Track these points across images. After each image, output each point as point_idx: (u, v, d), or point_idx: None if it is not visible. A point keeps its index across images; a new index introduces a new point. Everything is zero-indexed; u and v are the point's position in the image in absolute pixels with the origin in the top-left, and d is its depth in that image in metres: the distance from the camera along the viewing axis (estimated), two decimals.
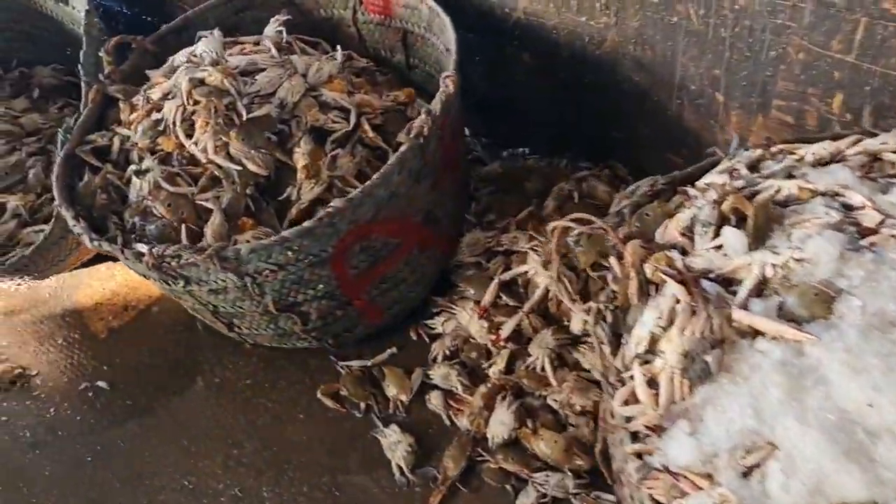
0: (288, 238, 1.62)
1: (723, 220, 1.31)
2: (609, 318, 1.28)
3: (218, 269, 1.65)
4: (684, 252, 1.33)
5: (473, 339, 1.93)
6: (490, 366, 1.87)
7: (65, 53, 2.51)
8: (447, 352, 1.94)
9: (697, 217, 1.33)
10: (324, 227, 1.62)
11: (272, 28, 2.11)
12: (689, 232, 1.34)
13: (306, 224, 1.61)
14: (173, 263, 1.65)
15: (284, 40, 2.08)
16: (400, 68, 2.28)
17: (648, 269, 1.29)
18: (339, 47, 2.07)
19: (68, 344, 2.17)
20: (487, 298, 1.92)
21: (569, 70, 2.04)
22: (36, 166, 2.18)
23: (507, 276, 1.94)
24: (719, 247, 1.27)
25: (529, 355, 1.83)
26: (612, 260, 1.33)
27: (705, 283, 1.23)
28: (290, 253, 1.65)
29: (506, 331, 1.87)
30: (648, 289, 1.29)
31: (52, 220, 1.93)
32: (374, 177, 1.66)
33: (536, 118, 2.25)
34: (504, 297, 1.93)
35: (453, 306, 1.98)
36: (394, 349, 1.99)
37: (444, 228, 1.98)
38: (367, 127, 1.91)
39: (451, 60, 1.83)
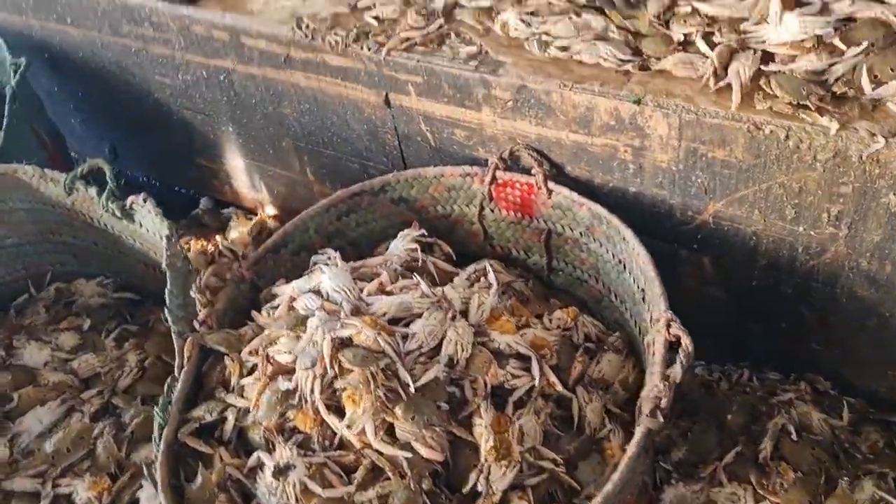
0: None
1: None
2: None
3: None
4: None
5: None
6: None
7: (111, 265, 2.05)
8: None
9: None
10: None
11: (403, 244, 1.72)
12: None
13: None
14: None
15: (421, 261, 1.70)
16: (536, 270, 1.91)
17: None
18: (489, 269, 1.68)
19: None
20: None
21: (765, 279, 1.70)
22: (104, 435, 1.68)
23: None
24: None
25: None
26: None
27: None
28: None
29: None
30: None
31: None
32: (615, 478, 1.26)
33: (710, 324, 1.88)
34: None
35: None
36: None
37: (648, 488, 1.58)
38: (553, 378, 1.52)
39: (656, 295, 1.48)
